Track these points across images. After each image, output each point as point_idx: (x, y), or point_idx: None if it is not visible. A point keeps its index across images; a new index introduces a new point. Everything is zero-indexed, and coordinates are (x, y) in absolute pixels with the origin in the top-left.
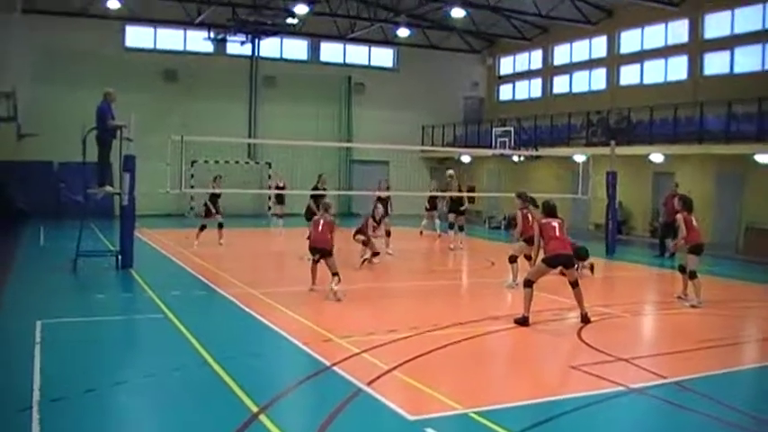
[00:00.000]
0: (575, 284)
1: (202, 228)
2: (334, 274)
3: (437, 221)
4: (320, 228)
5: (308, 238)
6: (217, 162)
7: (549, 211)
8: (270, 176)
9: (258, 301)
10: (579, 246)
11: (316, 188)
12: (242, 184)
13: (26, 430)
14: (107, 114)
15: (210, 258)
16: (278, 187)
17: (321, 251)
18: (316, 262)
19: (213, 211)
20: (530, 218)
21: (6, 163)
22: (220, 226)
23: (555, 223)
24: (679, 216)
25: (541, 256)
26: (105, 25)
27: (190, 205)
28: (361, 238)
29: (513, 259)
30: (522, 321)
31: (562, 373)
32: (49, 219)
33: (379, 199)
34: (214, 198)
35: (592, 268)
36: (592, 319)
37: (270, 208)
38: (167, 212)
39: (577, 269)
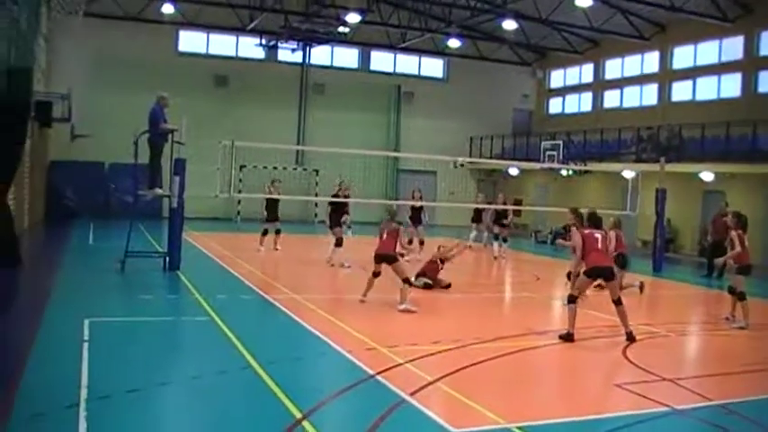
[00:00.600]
0: (618, 302)
1: (265, 232)
2: (404, 280)
3: (484, 234)
4: (384, 236)
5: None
6: (265, 167)
7: (594, 222)
8: (317, 183)
9: (303, 307)
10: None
11: (336, 195)
12: (289, 190)
13: (73, 427)
14: (159, 118)
15: (257, 263)
16: (345, 197)
17: (386, 258)
18: (375, 275)
19: (267, 215)
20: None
21: (60, 162)
22: (278, 232)
23: (597, 235)
24: (733, 233)
25: (583, 268)
26: (159, 30)
27: (237, 209)
28: (423, 280)
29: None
30: (567, 337)
31: (606, 391)
32: (98, 218)
33: (413, 209)
34: (272, 203)
35: (641, 287)
36: (637, 337)
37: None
38: (215, 216)
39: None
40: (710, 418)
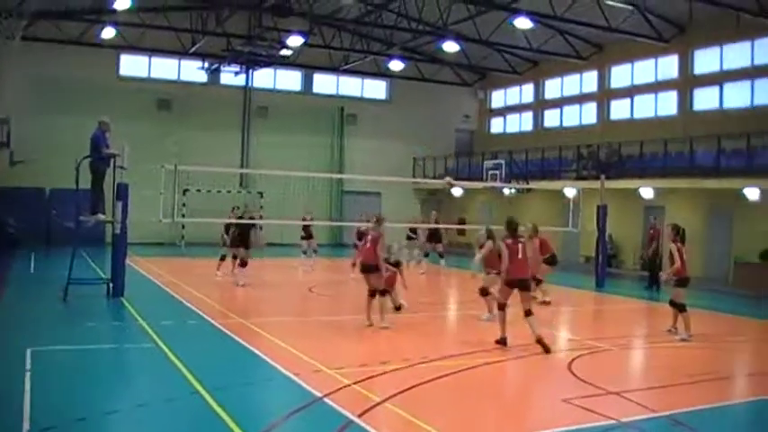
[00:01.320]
0: (528, 313)
1: (223, 258)
2: (381, 292)
3: (415, 251)
4: (367, 245)
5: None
6: (209, 191)
7: (511, 228)
8: (262, 207)
9: (250, 332)
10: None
11: (241, 218)
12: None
13: None
14: (101, 143)
15: (203, 288)
16: (304, 220)
17: (368, 268)
18: (371, 295)
19: (228, 241)
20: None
21: None
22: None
23: (519, 245)
24: (673, 246)
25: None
26: (100, 54)
27: (181, 234)
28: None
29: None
30: (502, 342)
31: (552, 406)
32: (39, 245)
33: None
34: (232, 228)
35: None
36: (581, 352)
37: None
38: (160, 241)
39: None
40: (657, 429)
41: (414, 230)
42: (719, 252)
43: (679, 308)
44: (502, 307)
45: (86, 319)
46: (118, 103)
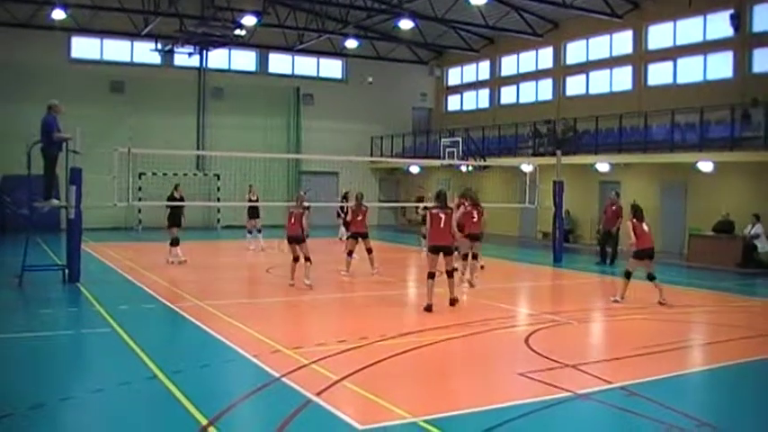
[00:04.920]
0: (450, 274)
1: (175, 242)
2: (307, 258)
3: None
4: (292, 220)
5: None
6: (165, 174)
7: (438, 200)
8: (219, 189)
9: (207, 314)
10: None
11: (172, 197)
12: (191, 195)
13: None
14: (52, 127)
15: (159, 272)
16: (250, 200)
17: (294, 239)
18: (296, 260)
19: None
20: (473, 215)
21: None
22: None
23: (441, 215)
24: (629, 223)
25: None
26: (50, 36)
27: (138, 218)
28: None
29: (465, 257)
30: (427, 308)
31: (510, 381)
32: None
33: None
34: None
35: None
36: (540, 326)
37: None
38: (116, 226)
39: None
40: (612, 400)
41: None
42: (675, 225)
43: (625, 273)
44: (431, 275)
45: (42, 306)
46: (70, 86)
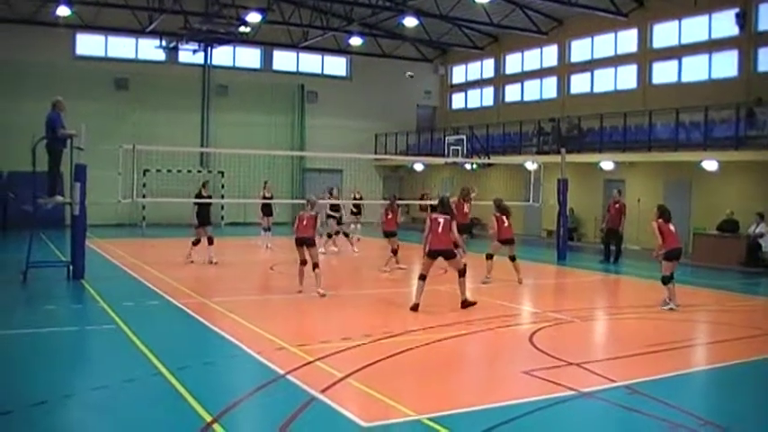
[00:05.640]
0: (461, 274)
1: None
2: (315, 265)
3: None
4: (304, 222)
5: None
6: (169, 171)
7: (441, 206)
8: (223, 186)
9: (212, 311)
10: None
11: (200, 195)
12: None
13: None
14: (57, 123)
15: (164, 268)
16: (265, 197)
17: (305, 241)
18: (303, 263)
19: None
20: (504, 221)
21: None
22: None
23: (441, 219)
24: (654, 224)
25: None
26: (55, 33)
27: (142, 215)
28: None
29: (489, 257)
30: (413, 308)
31: (514, 379)
32: None
33: (331, 207)
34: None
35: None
36: (543, 324)
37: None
38: (120, 222)
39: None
40: (616, 398)
41: (335, 207)
42: (679, 224)
43: (662, 279)
44: (422, 277)
45: (46, 303)
46: (74, 83)
